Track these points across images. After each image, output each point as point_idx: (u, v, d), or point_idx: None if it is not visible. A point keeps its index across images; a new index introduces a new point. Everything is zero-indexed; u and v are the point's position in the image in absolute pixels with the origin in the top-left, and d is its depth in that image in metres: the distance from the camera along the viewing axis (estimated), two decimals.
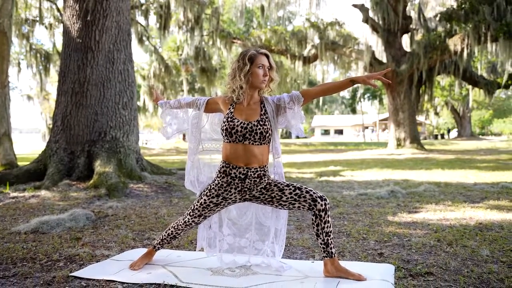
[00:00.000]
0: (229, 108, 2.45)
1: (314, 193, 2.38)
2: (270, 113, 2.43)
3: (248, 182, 2.40)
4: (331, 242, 2.39)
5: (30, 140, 45.61)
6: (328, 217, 2.37)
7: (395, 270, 2.50)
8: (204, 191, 2.52)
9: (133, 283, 2.33)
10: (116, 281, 2.37)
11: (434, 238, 3.25)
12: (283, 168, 2.58)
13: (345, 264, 2.52)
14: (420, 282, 2.31)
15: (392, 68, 17.94)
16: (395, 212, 4.39)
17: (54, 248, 3.10)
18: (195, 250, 3.04)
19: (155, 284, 2.32)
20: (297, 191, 2.38)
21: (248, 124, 2.36)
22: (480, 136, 47.69)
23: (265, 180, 2.44)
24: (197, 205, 2.53)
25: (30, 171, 6.77)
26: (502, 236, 3.28)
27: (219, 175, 2.45)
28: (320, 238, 2.39)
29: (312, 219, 2.40)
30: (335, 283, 2.29)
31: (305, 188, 2.40)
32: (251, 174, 2.39)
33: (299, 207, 2.40)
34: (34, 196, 5.57)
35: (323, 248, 2.39)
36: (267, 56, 2.43)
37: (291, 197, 2.39)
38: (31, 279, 2.44)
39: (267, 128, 2.39)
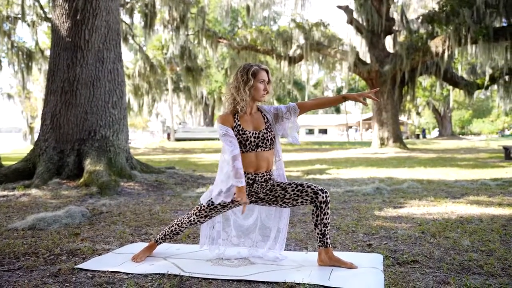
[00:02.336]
0: (234, 121, 2.56)
1: (315, 186, 2.55)
2: (271, 120, 2.63)
3: (256, 187, 2.56)
4: (328, 233, 2.56)
5: (10, 139, 44.74)
6: (328, 209, 2.54)
7: (383, 259, 2.68)
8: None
9: (138, 274, 2.45)
10: (121, 272, 2.48)
11: (419, 231, 3.45)
12: (284, 168, 2.74)
13: (337, 254, 2.68)
14: (407, 269, 2.49)
15: (375, 69, 18.30)
16: (381, 208, 4.59)
17: (54, 243, 3.19)
18: (192, 244, 3.16)
19: (159, 274, 2.44)
20: (299, 187, 2.55)
21: (259, 133, 2.54)
22: (460, 136, 48.78)
23: (270, 183, 2.61)
24: (204, 206, 2.65)
25: (18, 170, 6.76)
26: (481, 228, 3.50)
27: None
28: (318, 228, 2.55)
29: (313, 210, 2.56)
30: (329, 271, 2.45)
31: (306, 183, 2.57)
32: (258, 179, 2.55)
33: (302, 202, 2.56)
34: (24, 195, 5.59)
35: (320, 238, 2.55)
36: (267, 72, 2.62)
37: (294, 194, 2.55)
38: (37, 272, 2.53)
39: (274, 134, 2.59)
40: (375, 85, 18.68)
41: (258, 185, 2.56)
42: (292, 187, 2.56)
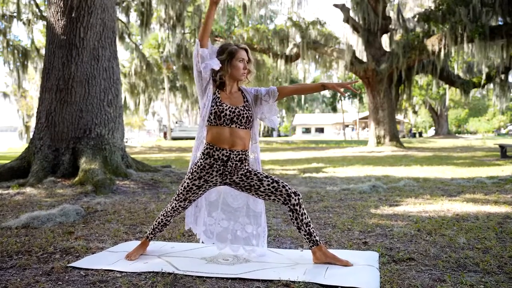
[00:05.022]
0: (215, 94, 2.60)
1: (289, 188, 2.54)
2: (250, 101, 2.64)
3: (230, 165, 2.54)
4: (313, 231, 2.56)
5: (6, 138, 44.53)
6: (303, 210, 2.54)
7: (379, 256, 2.66)
8: (187, 174, 2.64)
9: (131, 272, 2.42)
10: (115, 271, 2.45)
11: (415, 228, 3.44)
12: (260, 153, 2.75)
13: (332, 252, 2.66)
14: (402, 267, 2.47)
15: (372, 67, 18.31)
16: (377, 205, 4.58)
17: (48, 242, 3.15)
18: (187, 242, 3.14)
19: (153, 272, 2.41)
20: (275, 184, 2.54)
21: (235, 109, 2.55)
22: (457, 135, 48.94)
23: (245, 165, 2.59)
24: (181, 189, 2.65)
25: (13, 168, 6.71)
26: (477, 226, 3.49)
27: (202, 157, 2.58)
28: (302, 230, 2.55)
29: (290, 215, 2.56)
30: (324, 268, 2.43)
31: (282, 182, 2.56)
32: (233, 157, 2.54)
33: (274, 199, 2.56)
34: (19, 193, 5.55)
35: (307, 238, 2.55)
36: (247, 51, 2.63)
37: (268, 189, 2.54)
38: (29, 270, 2.51)
39: (251, 113, 2.60)
40: (371, 84, 18.69)
41: (233, 163, 2.54)
42: (268, 181, 2.54)
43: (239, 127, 2.54)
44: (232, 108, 2.54)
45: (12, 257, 2.79)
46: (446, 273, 2.36)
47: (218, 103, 2.54)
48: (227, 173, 2.56)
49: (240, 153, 2.56)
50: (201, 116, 2.59)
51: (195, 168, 2.59)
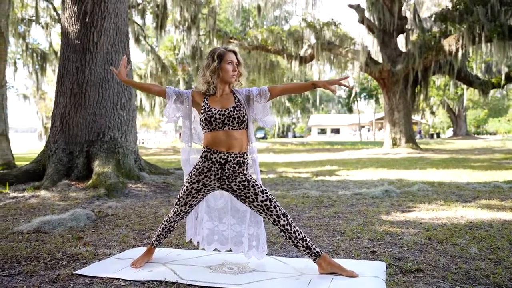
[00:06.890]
0: (204, 100, 2.63)
1: (280, 209, 2.54)
2: (242, 101, 2.63)
3: (228, 169, 2.54)
4: (311, 244, 2.53)
5: (26, 139, 45.45)
6: (294, 227, 2.54)
7: (386, 267, 2.61)
8: (187, 178, 2.67)
9: (135, 281, 2.43)
10: (119, 279, 2.46)
11: (425, 237, 3.37)
12: (257, 153, 2.74)
13: (338, 261, 2.62)
14: (410, 279, 2.42)
15: (387, 68, 18.08)
16: (389, 211, 4.50)
17: (57, 247, 3.19)
18: (194, 249, 3.14)
19: (156, 281, 2.41)
20: (267, 202, 2.52)
21: (225, 111, 2.54)
22: (476, 135, 47.96)
23: (244, 169, 2.57)
24: (181, 193, 2.67)
25: (29, 171, 6.84)
26: (490, 235, 3.40)
27: (200, 160, 2.60)
28: (301, 246, 2.53)
29: (283, 235, 2.56)
30: (329, 279, 2.39)
31: (275, 202, 2.55)
32: (231, 160, 2.53)
33: (265, 217, 2.56)
34: (34, 196, 5.65)
35: (308, 252, 2.53)
36: (235, 53, 2.64)
37: (261, 206, 2.54)
38: (36, 277, 2.54)
39: (243, 112, 2.58)
40: (387, 85, 18.47)
41: (231, 166, 2.53)
42: (263, 197, 2.53)
43: (232, 128, 2.54)
44: (221, 111, 2.54)
45: (21, 263, 2.83)
46: (455, 286, 2.29)
47: (206, 109, 2.56)
48: (225, 177, 2.56)
49: (238, 155, 2.55)
50: (184, 140, 2.77)
51: (194, 171, 2.61)
